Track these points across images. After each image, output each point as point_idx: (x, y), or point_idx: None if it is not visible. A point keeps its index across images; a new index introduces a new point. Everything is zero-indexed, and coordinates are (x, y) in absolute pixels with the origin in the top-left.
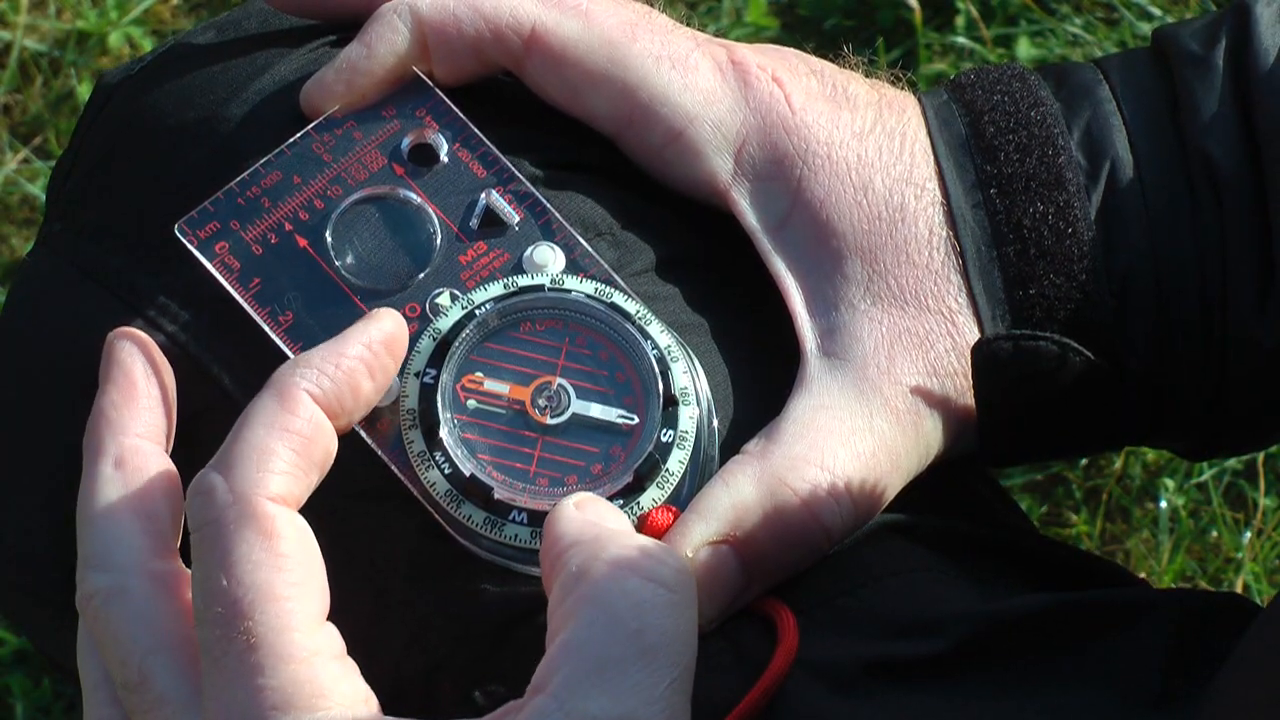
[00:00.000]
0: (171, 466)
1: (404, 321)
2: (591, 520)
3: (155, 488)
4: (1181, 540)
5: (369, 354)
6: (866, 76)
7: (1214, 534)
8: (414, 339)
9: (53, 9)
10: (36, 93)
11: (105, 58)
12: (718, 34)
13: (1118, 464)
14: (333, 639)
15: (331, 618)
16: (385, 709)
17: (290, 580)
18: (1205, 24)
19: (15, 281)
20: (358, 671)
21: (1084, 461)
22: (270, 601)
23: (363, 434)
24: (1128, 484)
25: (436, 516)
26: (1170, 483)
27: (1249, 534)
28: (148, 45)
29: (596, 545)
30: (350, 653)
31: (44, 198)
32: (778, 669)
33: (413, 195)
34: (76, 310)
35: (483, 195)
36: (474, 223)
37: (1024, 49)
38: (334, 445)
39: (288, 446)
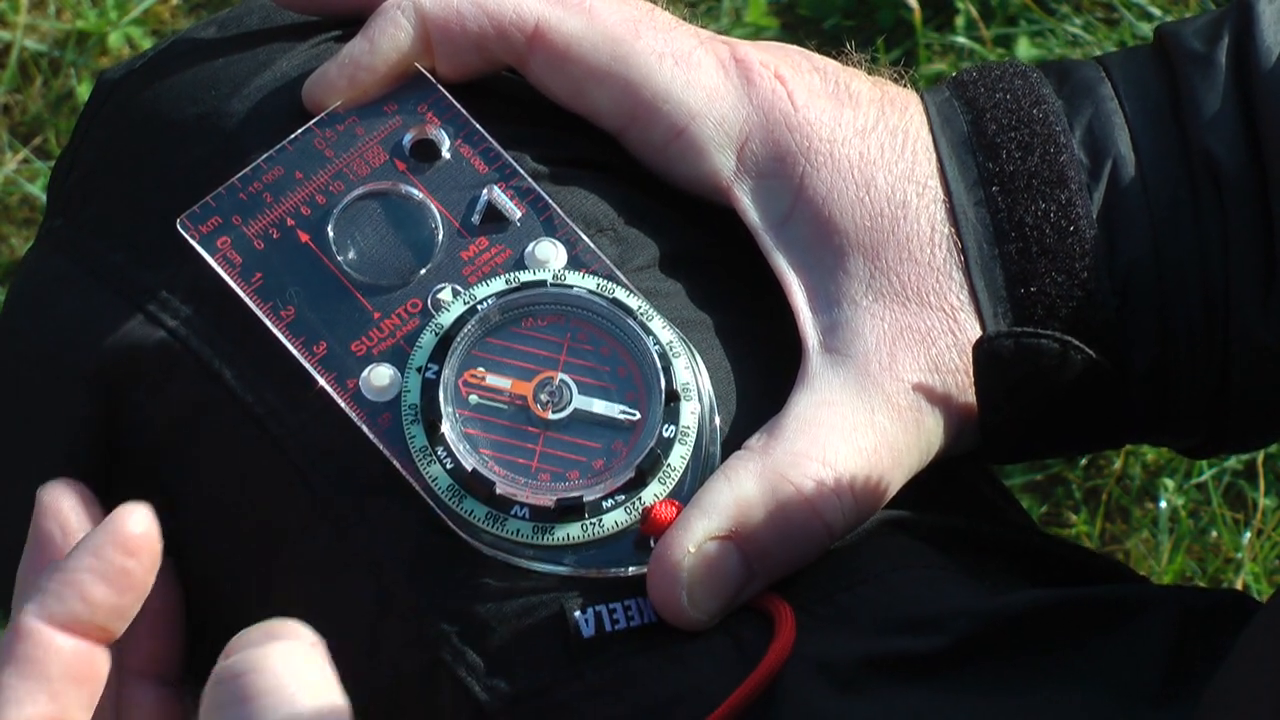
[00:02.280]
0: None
1: (148, 517)
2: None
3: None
4: (1181, 540)
5: (93, 563)
6: (869, 74)
7: (1214, 534)
8: (416, 334)
9: (53, 9)
10: (36, 93)
11: (105, 58)
12: (718, 34)
13: (1118, 464)
14: None
15: (333, 614)
16: (383, 703)
17: None
18: (1207, 22)
19: (16, 277)
20: None
21: (1084, 461)
22: None
23: (364, 429)
24: (1127, 484)
25: (438, 511)
26: (1170, 483)
27: (1249, 534)
28: (147, 45)
29: None
30: (350, 647)
31: (44, 197)
32: (771, 664)
33: (415, 191)
34: (78, 306)
35: (484, 191)
36: (476, 218)
37: (1024, 49)
38: (89, 656)
39: (16, 674)
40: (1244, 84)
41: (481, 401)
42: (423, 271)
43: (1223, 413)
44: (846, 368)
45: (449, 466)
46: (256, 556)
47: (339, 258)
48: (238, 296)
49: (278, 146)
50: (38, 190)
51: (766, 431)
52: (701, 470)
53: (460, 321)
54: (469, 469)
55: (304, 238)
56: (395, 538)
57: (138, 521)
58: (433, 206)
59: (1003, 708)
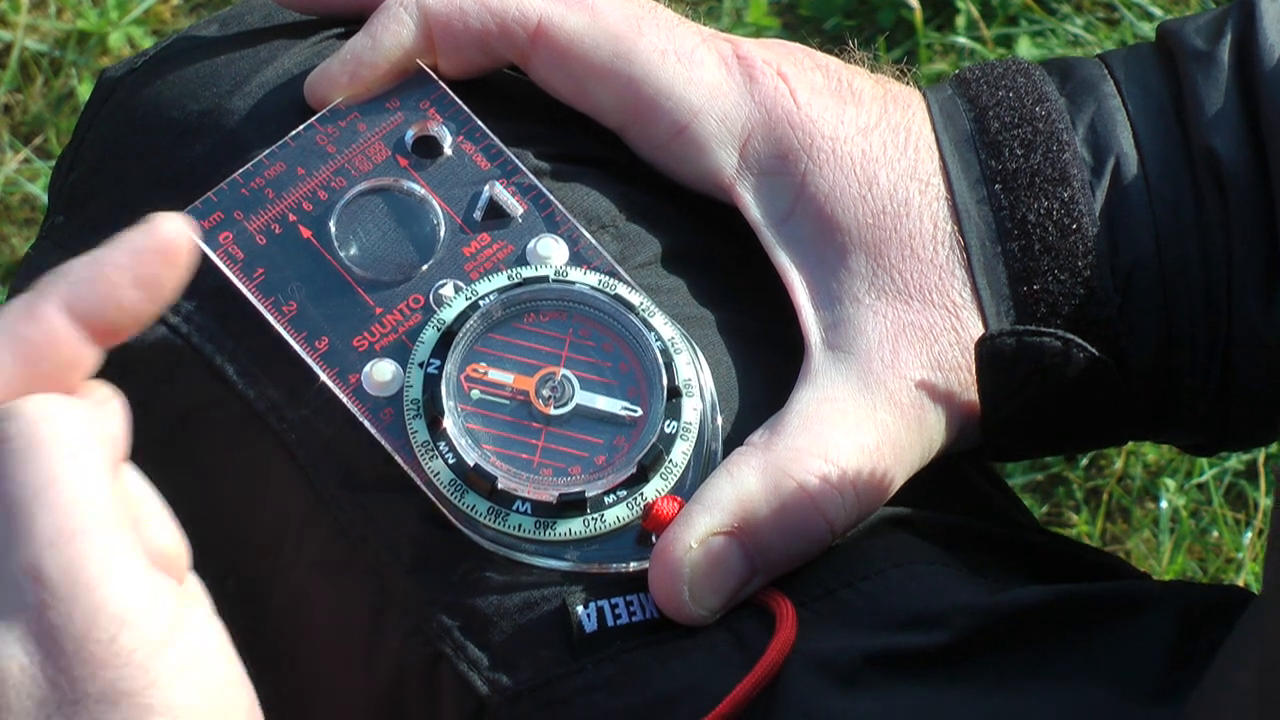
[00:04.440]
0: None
1: (187, 228)
2: None
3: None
4: (1182, 540)
5: (132, 262)
6: (871, 72)
7: (1214, 534)
8: (418, 330)
9: (53, 9)
10: (37, 92)
11: (106, 57)
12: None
13: (1118, 464)
14: None
15: (335, 609)
16: (385, 699)
17: None
18: (1210, 19)
19: (19, 275)
20: None
21: (1084, 461)
22: None
23: (366, 423)
24: (1128, 484)
25: (440, 506)
26: (1171, 483)
27: (1249, 534)
28: (148, 45)
29: None
30: (352, 642)
31: (45, 197)
32: (772, 660)
33: (417, 187)
34: None
35: (486, 187)
36: (477, 214)
37: (1025, 49)
38: (79, 353)
39: (9, 351)
40: (1246, 82)
41: (484, 397)
42: (425, 267)
43: (1225, 410)
44: (849, 365)
45: (451, 461)
46: (259, 551)
47: (341, 253)
48: (239, 292)
49: (280, 142)
50: (39, 190)
51: (769, 427)
52: (703, 466)
53: (462, 317)
54: (471, 464)
55: (306, 233)
56: (397, 532)
57: (181, 230)
58: (435, 202)
59: (1003, 703)
